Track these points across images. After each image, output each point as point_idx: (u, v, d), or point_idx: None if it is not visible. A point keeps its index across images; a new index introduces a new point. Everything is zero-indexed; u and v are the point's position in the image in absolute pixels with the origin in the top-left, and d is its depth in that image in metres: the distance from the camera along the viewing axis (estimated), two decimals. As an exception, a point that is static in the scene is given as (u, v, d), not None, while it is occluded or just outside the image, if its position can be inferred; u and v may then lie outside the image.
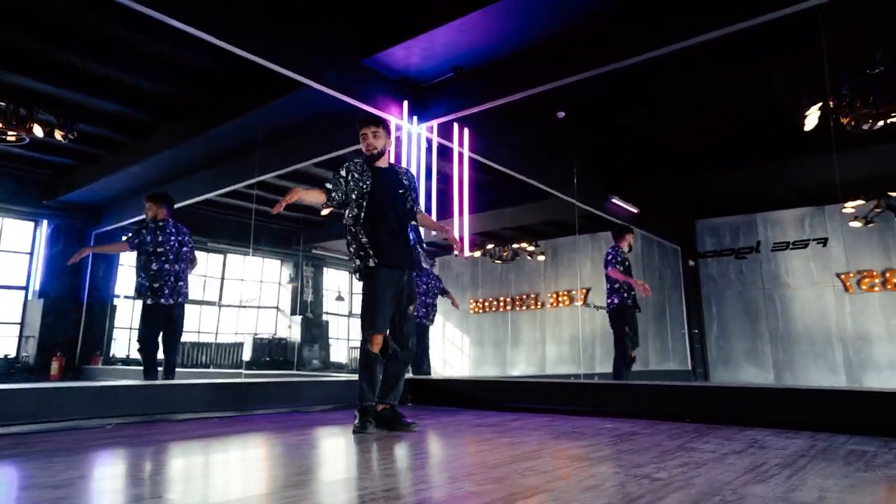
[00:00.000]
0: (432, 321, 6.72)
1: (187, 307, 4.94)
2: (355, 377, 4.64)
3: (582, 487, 1.63)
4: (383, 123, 3.15)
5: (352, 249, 3.03)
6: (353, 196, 3.02)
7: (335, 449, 2.60)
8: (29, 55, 5.65)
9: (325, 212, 8.95)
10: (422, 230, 4.08)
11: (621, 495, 1.54)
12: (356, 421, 2.91)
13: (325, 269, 13.51)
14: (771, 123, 7.37)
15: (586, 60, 4.63)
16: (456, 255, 3.24)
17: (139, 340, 4.52)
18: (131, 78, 6.09)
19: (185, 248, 4.66)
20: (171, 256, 4.52)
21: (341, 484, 1.77)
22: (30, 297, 9.11)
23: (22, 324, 9.03)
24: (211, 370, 9.25)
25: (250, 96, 5.98)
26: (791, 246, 9.85)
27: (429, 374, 6.48)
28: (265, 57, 4.18)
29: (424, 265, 3.39)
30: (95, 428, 2.99)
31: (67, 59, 5.73)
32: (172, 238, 4.56)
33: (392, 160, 3.56)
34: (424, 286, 6.51)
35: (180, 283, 4.56)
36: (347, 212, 3.06)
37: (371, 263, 2.95)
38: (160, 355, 4.65)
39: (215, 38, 3.90)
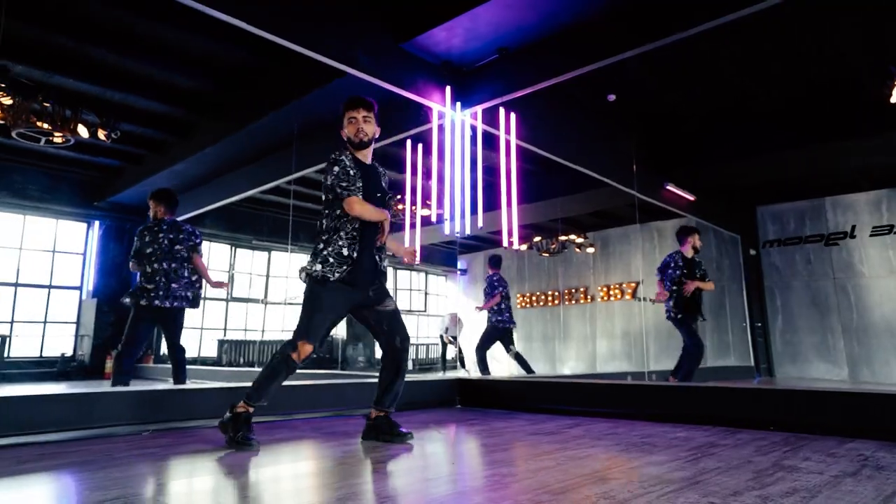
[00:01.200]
0: (514, 323, 6.93)
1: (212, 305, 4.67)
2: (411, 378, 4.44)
3: (675, 526, 1.33)
4: (374, 109, 2.75)
5: (321, 251, 2.59)
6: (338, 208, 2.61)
7: (376, 463, 2.36)
8: (72, 56, 5.67)
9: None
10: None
11: (730, 541, 1.23)
12: (230, 431, 2.51)
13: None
14: (840, 98, 6.75)
15: (641, 34, 4.24)
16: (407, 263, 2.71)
17: (123, 343, 4.27)
18: (170, 75, 6.06)
19: (177, 247, 4.32)
20: (160, 255, 4.24)
21: (384, 513, 1.53)
22: (84, 297, 9.33)
23: (77, 323, 9.25)
24: (255, 368, 9.26)
25: (287, 90, 5.83)
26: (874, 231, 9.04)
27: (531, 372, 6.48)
28: (299, 42, 3.98)
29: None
30: (131, 435, 2.86)
31: (108, 59, 5.72)
32: (161, 236, 4.29)
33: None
34: (507, 288, 6.80)
35: (174, 286, 4.27)
36: (331, 209, 2.64)
37: (333, 277, 2.54)
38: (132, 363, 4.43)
39: (249, 25, 3.72)
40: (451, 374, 8.62)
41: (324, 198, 2.70)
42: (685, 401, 3.40)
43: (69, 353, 9.03)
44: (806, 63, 5.95)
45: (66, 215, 9.19)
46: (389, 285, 2.94)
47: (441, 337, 10.26)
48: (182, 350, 4.45)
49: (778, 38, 5.41)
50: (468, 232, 4.91)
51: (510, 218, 5.10)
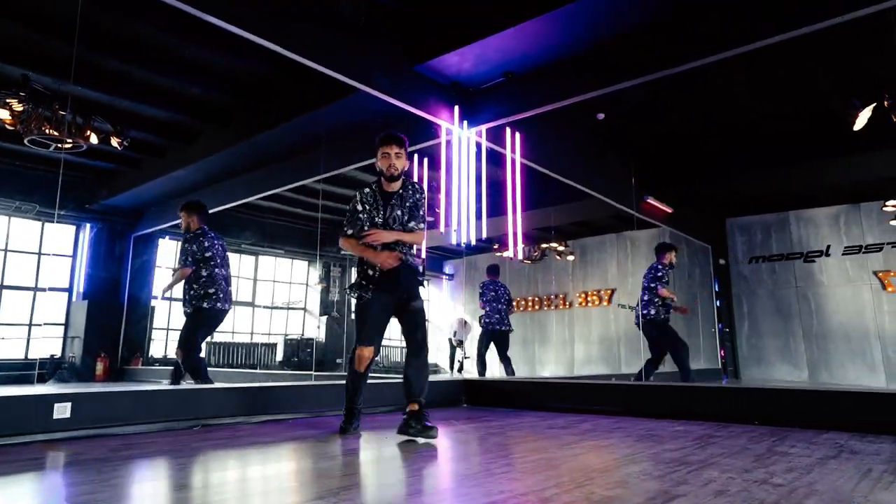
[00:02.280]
0: (510, 327, 7.15)
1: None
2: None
3: (710, 492, 1.69)
4: (405, 143, 3.01)
5: (356, 273, 3.07)
6: (367, 227, 2.98)
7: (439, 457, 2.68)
8: (85, 65, 5.80)
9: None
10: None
11: (757, 501, 1.60)
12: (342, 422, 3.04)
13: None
14: (807, 123, 7.35)
15: (636, 68, 4.65)
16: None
17: (190, 348, 4.37)
18: (181, 85, 6.23)
19: (227, 254, 4.67)
20: (219, 261, 4.51)
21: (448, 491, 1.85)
22: (73, 299, 9.32)
23: (66, 325, 9.24)
24: (245, 371, 9.40)
25: (296, 105, 6.08)
26: (865, 249, 9.66)
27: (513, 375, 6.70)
28: (320, 62, 4.26)
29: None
30: (185, 429, 3.10)
31: (121, 68, 5.88)
32: (217, 242, 4.55)
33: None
34: (493, 293, 6.84)
35: (230, 289, 4.56)
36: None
37: (368, 295, 2.96)
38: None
39: (272, 44, 3.97)
40: (457, 376, 8.98)
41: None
42: (680, 399, 3.80)
43: (58, 354, 9.02)
44: (779, 93, 6.49)
45: (55, 217, 9.17)
46: None
47: (449, 340, 10.59)
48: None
49: (755, 71, 5.92)
50: (472, 241, 5.25)
51: (514, 229, 5.47)
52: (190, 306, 4.40)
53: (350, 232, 2.99)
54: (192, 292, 4.38)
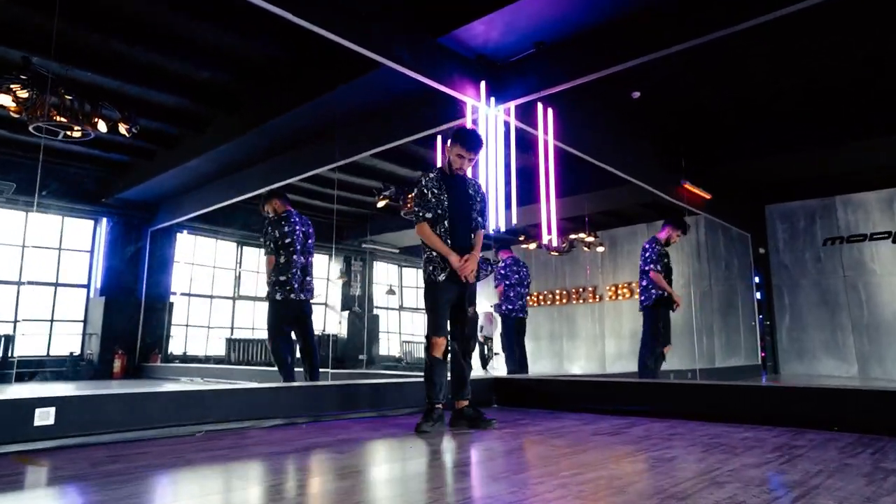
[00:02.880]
0: (527, 313, 6.35)
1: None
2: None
3: (840, 534, 1.28)
4: (481, 150, 3.24)
5: (424, 258, 3.16)
6: (429, 215, 3.12)
7: (480, 466, 2.29)
8: (91, 49, 5.54)
9: (380, 204, 8.71)
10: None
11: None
12: (421, 420, 3.05)
13: (374, 263, 13.34)
14: (852, 98, 6.76)
15: (677, 33, 4.20)
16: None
17: (272, 336, 4.27)
18: (190, 69, 5.94)
19: (310, 241, 4.42)
20: (298, 248, 4.28)
21: None
22: (91, 295, 9.16)
23: (85, 321, 9.09)
24: (264, 368, 9.13)
25: (311, 86, 5.74)
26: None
27: (526, 370, 6.11)
28: (336, 32, 3.89)
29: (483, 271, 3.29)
30: (186, 436, 2.77)
31: (129, 52, 5.61)
32: (298, 228, 4.32)
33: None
34: (517, 276, 6.16)
35: (308, 278, 4.33)
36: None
37: (440, 277, 3.08)
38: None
39: (290, 14, 3.63)
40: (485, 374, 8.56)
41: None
42: (742, 401, 3.35)
43: (77, 351, 8.86)
44: (826, 63, 5.93)
45: (73, 212, 9.01)
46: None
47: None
48: (317, 354, 4.47)
49: (800, 40, 5.39)
50: (503, 228, 4.85)
51: (549, 215, 5.05)
52: (266, 294, 4.32)
53: (429, 216, 3.08)
54: (268, 279, 4.27)
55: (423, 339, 3.15)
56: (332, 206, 10.17)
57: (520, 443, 2.69)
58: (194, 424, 2.86)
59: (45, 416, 2.36)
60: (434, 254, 3.09)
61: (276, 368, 4.43)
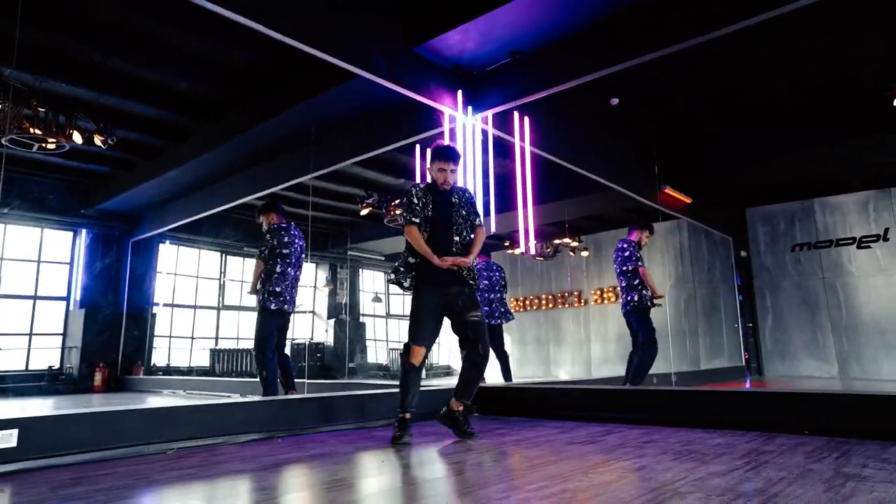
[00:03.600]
0: (506, 318, 6.08)
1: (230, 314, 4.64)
2: (425, 388, 4.36)
3: (790, 546, 1.29)
4: (459, 160, 3.30)
5: (401, 268, 3.17)
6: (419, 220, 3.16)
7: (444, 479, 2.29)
8: (66, 59, 5.49)
9: (363, 212, 8.70)
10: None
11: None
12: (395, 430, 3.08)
13: (360, 271, 13.30)
14: (829, 102, 6.87)
15: (652, 41, 4.24)
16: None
17: (260, 352, 4.23)
18: (169, 78, 5.90)
19: (302, 255, 4.54)
20: (293, 260, 4.38)
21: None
22: (71, 308, 9.05)
23: (64, 334, 8.96)
24: (249, 380, 9.06)
25: (290, 95, 5.72)
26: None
27: (509, 379, 6.01)
28: (311, 44, 3.89)
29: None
30: (156, 454, 2.74)
31: (105, 62, 5.56)
32: (297, 242, 4.45)
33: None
34: (487, 281, 6.04)
35: (294, 291, 4.43)
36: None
37: (413, 283, 3.12)
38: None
39: (261, 25, 3.62)
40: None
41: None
42: (717, 406, 3.38)
43: (56, 365, 8.74)
44: (803, 68, 6.02)
45: (52, 224, 8.91)
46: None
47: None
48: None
49: (777, 44, 5.47)
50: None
51: (526, 222, 5.06)
52: (258, 303, 4.32)
53: (416, 220, 3.12)
54: (259, 287, 4.30)
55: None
56: (315, 214, 10.15)
57: (492, 454, 2.69)
58: (165, 442, 2.83)
59: (6, 439, 2.32)
60: (419, 260, 3.11)
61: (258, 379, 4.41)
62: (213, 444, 3.00)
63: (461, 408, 3.16)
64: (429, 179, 3.36)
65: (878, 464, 2.23)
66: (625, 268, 5.32)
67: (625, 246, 5.36)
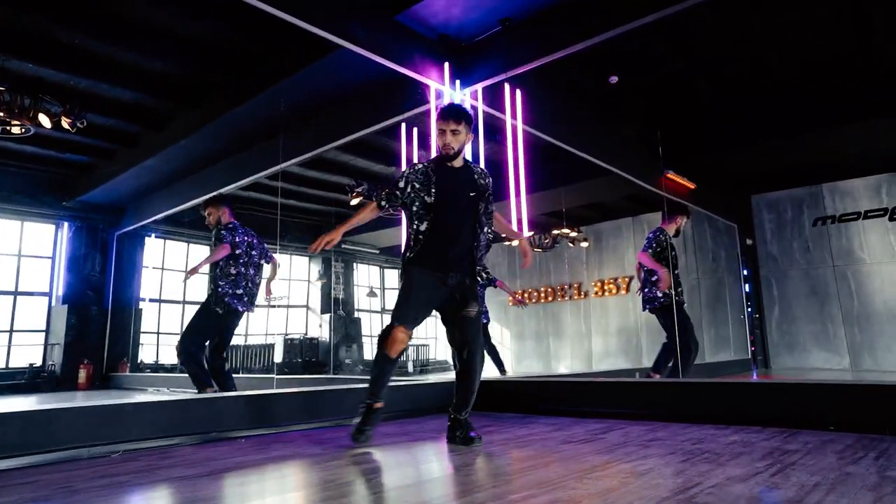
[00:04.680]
0: (486, 319, 5.92)
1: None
2: (403, 382, 4.04)
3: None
4: (466, 118, 2.70)
5: (404, 243, 2.79)
6: (414, 208, 2.69)
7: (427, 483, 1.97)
8: (33, 38, 5.16)
9: (353, 202, 8.37)
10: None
11: None
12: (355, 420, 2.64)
13: (355, 265, 12.98)
14: (838, 82, 6.51)
15: (652, 2, 3.90)
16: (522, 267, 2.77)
17: (186, 345, 4.05)
18: (142, 59, 5.57)
19: (253, 252, 4.37)
20: (245, 259, 4.28)
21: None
22: (53, 303, 8.74)
23: (47, 331, 8.65)
24: (241, 375, 8.73)
25: (269, 72, 5.39)
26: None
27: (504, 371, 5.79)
28: (284, 9, 3.55)
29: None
30: (99, 458, 2.42)
31: (73, 41, 5.22)
32: (245, 239, 4.34)
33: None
34: None
35: (254, 289, 4.36)
36: (407, 215, 2.78)
37: (410, 258, 2.68)
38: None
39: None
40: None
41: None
42: (729, 400, 3.05)
43: (38, 362, 8.43)
44: (808, 43, 5.67)
45: (33, 216, 8.59)
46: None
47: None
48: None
49: (786, 13, 5.12)
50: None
51: (518, 208, 4.73)
52: (208, 297, 4.18)
53: (384, 204, 2.76)
54: (213, 285, 4.17)
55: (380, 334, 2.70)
56: (305, 206, 9.84)
57: (474, 456, 2.37)
58: (109, 444, 2.51)
59: (-87, 442, 2.00)
60: (425, 236, 2.65)
61: (248, 375, 4.26)
62: (167, 446, 2.68)
63: (463, 419, 2.68)
64: (403, 157, 2.97)
65: (925, 464, 1.91)
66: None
67: (649, 235, 5.04)
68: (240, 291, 4.18)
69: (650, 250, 4.88)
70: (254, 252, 4.39)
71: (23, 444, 2.28)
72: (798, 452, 2.19)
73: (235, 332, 4.47)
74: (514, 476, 1.98)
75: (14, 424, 2.29)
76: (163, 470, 2.17)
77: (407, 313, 2.63)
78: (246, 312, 4.27)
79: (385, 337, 2.63)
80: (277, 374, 8.92)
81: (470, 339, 2.69)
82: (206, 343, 4.14)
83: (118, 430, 2.57)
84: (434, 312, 2.84)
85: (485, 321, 5.91)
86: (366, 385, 2.71)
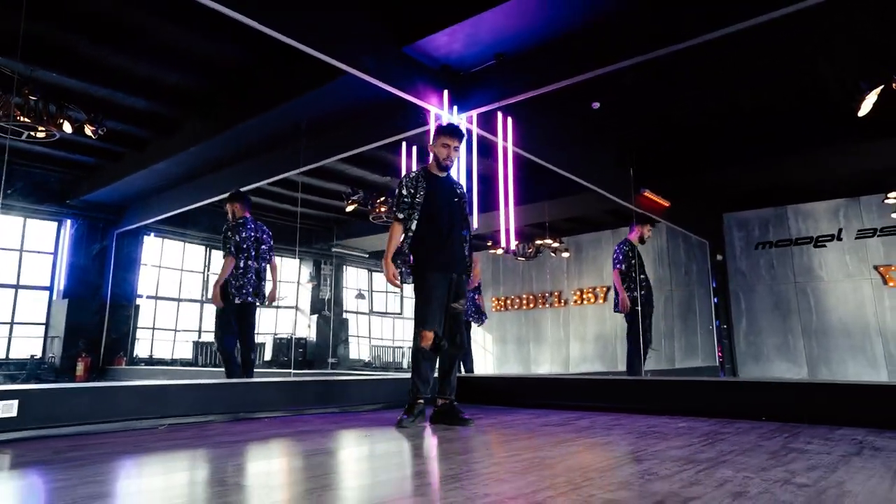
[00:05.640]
0: (478, 320, 6.45)
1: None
2: (401, 376, 4.52)
3: (726, 494, 1.47)
4: (463, 140, 3.27)
5: (405, 252, 3.13)
6: (409, 211, 3.16)
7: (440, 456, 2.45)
8: (58, 50, 5.55)
9: (349, 208, 8.82)
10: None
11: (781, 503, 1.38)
12: (402, 414, 3.06)
13: (345, 268, 13.40)
14: (803, 112, 7.16)
15: (634, 47, 4.44)
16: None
17: (217, 340, 4.45)
18: (159, 72, 5.98)
19: (263, 247, 4.66)
20: (253, 253, 4.56)
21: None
22: (54, 298, 9.04)
23: (47, 324, 8.95)
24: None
25: (278, 91, 5.84)
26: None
27: (472, 371, 6.31)
28: (302, 41, 4.01)
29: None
30: (148, 429, 2.86)
31: (96, 54, 5.62)
32: (252, 235, 4.61)
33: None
34: None
35: (262, 283, 4.61)
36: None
37: (420, 263, 3.09)
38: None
39: (254, 22, 3.72)
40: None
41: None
42: (683, 395, 3.58)
43: (38, 354, 8.73)
44: (778, 77, 6.29)
45: (37, 213, 8.90)
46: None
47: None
48: (255, 351, 4.67)
49: (754, 54, 5.72)
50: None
51: (507, 222, 5.24)
52: (218, 294, 4.45)
53: (401, 216, 3.13)
54: (224, 280, 4.45)
55: (412, 338, 3.13)
56: (301, 210, 10.24)
57: (468, 431, 2.86)
58: (156, 418, 2.95)
59: (7, 409, 2.43)
60: (423, 245, 3.08)
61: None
62: (203, 422, 3.12)
63: (446, 401, 3.12)
64: (404, 170, 3.44)
65: (822, 441, 2.44)
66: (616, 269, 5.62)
67: (616, 249, 5.69)
68: (243, 282, 4.45)
69: (621, 267, 5.50)
70: (263, 247, 4.69)
71: (90, 413, 2.71)
72: (729, 433, 2.71)
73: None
74: (502, 444, 2.47)
75: (83, 397, 2.72)
76: (212, 437, 2.62)
77: (434, 317, 3.04)
78: (255, 304, 4.55)
79: (418, 339, 3.05)
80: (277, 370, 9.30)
81: (457, 330, 3.16)
82: (231, 333, 4.44)
83: (163, 406, 3.00)
84: None
85: (475, 322, 6.39)
86: (369, 377, 3.20)
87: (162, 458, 2.15)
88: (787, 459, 1.99)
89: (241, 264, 4.49)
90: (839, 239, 9.51)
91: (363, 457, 2.26)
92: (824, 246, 9.60)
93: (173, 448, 2.34)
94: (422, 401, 3.07)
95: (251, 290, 4.50)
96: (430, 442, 2.62)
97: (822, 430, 2.79)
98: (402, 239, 3.13)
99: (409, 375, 3.17)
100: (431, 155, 3.25)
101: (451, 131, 3.17)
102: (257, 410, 3.36)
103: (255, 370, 4.61)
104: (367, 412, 3.80)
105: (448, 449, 2.39)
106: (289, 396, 3.53)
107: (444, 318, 3.12)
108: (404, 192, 3.15)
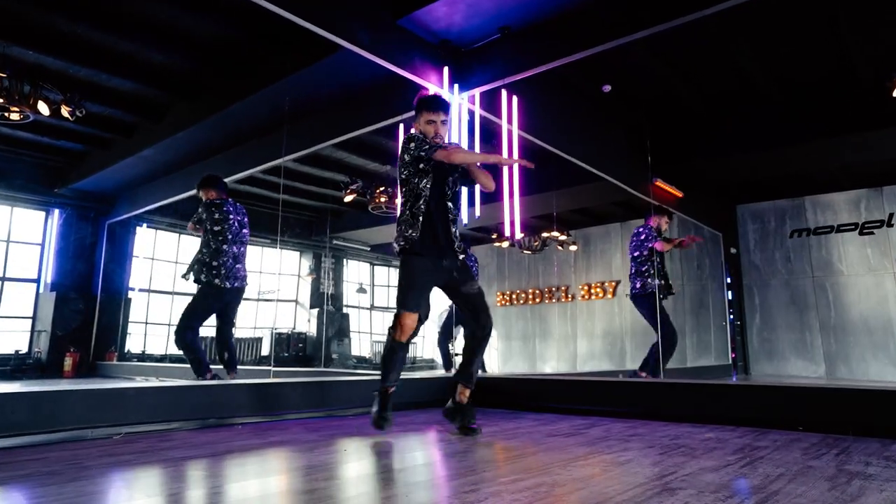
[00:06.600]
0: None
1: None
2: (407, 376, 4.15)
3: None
4: (450, 110, 2.88)
5: (398, 226, 2.85)
6: (405, 188, 2.81)
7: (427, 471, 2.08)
8: (33, 26, 5.20)
9: (347, 198, 8.45)
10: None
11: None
12: (373, 409, 2.79)
13: (345, 261, 13.05)
14: (825, 96, 6.72)
15: (649, 17, 4.04)
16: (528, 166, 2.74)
17: (182, 330, 4.09)
18: (143, 50, 5.61)
19: (244, 231, 4.44)
20: (230, 237, 4.28)
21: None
22: (41, 290, 8.73)
23: (34, 318, 8.64)
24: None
25: (271, 70, 5.47)
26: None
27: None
28: (289, 9, 3.64)
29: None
30: (101, 439, 2.51)
31: (75, 31, 5.26)
32: (232, 217, 4.35)
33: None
34: None
35: (238, 266, 4.31)
36: (406, 186, 2.82)
37: (404, 247, 2.77)
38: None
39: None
40: (438, 373, 8.40)
41: (399, 178, 2.83)
42: (707, 400, 3.20)
43: (24, 349, 8.43)
44: (798, 57, 5.86)
45: (23, 202, 8.57)
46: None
47: (439, 333, 9.89)
48: (233, 342, 4.49)
49: (774, 30, 5.31)
50: (466, 223, 4.64)
51: (512, 212, 4.86)
52: (192, 274, 4.19)
53: (449, 142, 2.87)
54: (196, 262, 4.19)
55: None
56: (298, 201, 9.91)
57: (465, 445, 2.49)
58: (112, 426, 2.60)
59: (-74, 417, 2.08)
60: (412, 231, 2.72)
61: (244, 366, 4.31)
62: (166, 430, 2.77)
63: (467, 396, 2.85)
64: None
65: (882, 461, 2.06)
66: (636, 253, 5.27)
67: (641, 230, 5.34)
68: (215, 264, 4.15)
69: (660, 238, 5.17)
70: (244, 231, 4.46)
71: (30, 422, 2.36)
72: (767, 448, 2.34)
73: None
74: (502, 462, 2.10)
75: (23, 404, 2.37)
76: (164, 451, 2.27)
77: (415, 300, 2.72)
78: (233, 290, 4.25)
79: (394, 325, 2.74)
80: (272, 367, 8.97)
81: (482, 310, 2.84)
82: (199, 325, 4.16)
83: (120, 413, 2.65)
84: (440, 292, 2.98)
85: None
86: (363, 378, 2.84)
87: (89, 482, 1.79)
88: (853, 491, 1.61)
89: (213, 246, 4.19)
90: (862, 232, 9.06)
91: (326, 486, 1.89)
92: (845, 235, 9.13)
93: (112, 467, 1.99)
94: (392, 389, 2.81)
95: (225, 272, 4.18)
96: (420, 459, 2.26)
97: (875, 446, 2.41)
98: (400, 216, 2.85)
99: (407, 375, 2.86)
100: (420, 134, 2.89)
101: (431, 103, 2.77)
102: (230, 416, 3.00)
103: (260, 367, 4.34)
104: (355, 416, 3.45)
105: (439, 471, 2.02)
106: (266, 400, 3.17)
107: (461, 302, 2.89)
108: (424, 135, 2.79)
